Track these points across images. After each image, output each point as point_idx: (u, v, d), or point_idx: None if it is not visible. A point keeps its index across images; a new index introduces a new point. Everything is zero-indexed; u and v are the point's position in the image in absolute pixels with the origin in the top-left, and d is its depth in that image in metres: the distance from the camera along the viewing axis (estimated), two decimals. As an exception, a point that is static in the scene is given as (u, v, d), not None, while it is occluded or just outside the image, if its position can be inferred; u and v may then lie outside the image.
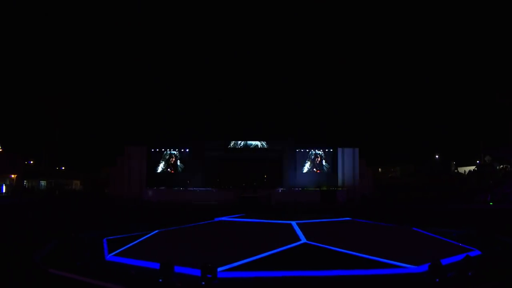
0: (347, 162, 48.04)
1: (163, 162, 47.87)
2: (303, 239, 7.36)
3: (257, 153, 48.07)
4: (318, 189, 44.83)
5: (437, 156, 59.57)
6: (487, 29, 76.20)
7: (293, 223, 8.34)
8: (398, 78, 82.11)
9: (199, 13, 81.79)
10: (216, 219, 10.11)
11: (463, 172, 51.45)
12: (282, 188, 45.68)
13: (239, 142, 47.96)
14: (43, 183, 54.27)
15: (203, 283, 5.31)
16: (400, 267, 6.37)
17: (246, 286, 5.71)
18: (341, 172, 47.94)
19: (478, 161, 53.56)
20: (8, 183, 46.96)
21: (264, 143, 47.80)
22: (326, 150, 48.57)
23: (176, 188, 43.98)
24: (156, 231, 9.11)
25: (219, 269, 6.02)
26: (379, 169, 64.02)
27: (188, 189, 44.22)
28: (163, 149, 48.01)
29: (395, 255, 6.73)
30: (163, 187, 44.32)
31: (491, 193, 34.40)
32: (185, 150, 47.87)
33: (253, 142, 48.30)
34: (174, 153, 48.02)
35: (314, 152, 48.62)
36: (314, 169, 48.46)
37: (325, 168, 48.55)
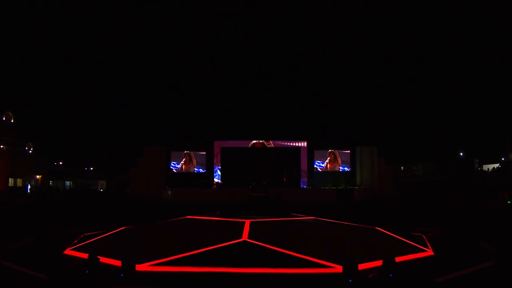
0: (366, 161, 47.60)
1: (181, 162, 48.88)
2: (245, 237, 7.64)
3: (274, 152, 48.40)
4: (334, 188, 44.73)
5: (461, 154, 57.99)
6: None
7: (247, 221, 8.61)
8: (419, 74, 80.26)
9: (220, 19, 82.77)
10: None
11: (487, 170, 49.87)
12: (298, 187, 45.83)
13: (256, 142, 48.41)
14: (68, 183, 56.49)
15: (122, 275, 5.76)
16: (328, 266, 6.44)
17: (164, 280, 6.07)
18: (359, 171, 47.62)
19: (503, 158, 51.75)
20: (33, 183, 49.18)
21: (281, 142, 48.14)
22: (344, 149, 48.26)
23: (193, 188, 44.88)
24: (123, 227, 9.66)
25: (148, 263, 6.44)
26: (402, 168, 62.91)
27: (205, 189, 45.14)
28: (181, 150, 48.99)
29: (330, 255, 6.81)
30: (180, 187, 45.26)
31: (510, 192, 33.24)
32: (202, 150, 48.71)
33: (270, 142, 48.62)
34: (192, 153, 48.89)
35: (331, 151, 48.40)
36: (332, 168, 48.24)
37: (343, 167, 48.22)
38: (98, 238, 8.67)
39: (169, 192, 44.73)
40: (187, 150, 48.70)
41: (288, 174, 47.76)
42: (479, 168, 54.31)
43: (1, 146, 49.57)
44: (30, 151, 52.58)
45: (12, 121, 56.89)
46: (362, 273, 6.13)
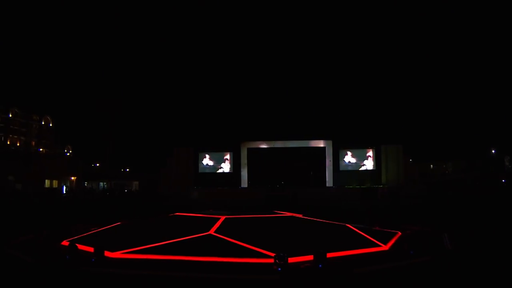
0: (391, 160, 47.40)
1: (208, 162, 50.30)
2: (212, 231, 8.64)
3: (299, 152, 48.94)
4: (358, 187, 44.77)
5: (493, 151, 56.29)
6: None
7: (222, 217, 9.58)
8: (448, 69, 78.13)
9: (241, 18, 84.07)
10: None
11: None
12: (323, 186, 46.15)
13: (282, 142, 49.15)
14: (101, 184, 59.48)
15: (93, 260, 7.00)
16: (267, 256, 7.23)
17: (130, 265, 7.21)
18: (384, 170, 47.44)
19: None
20: (68, 184, 52.25)
21: (306, 142, 48.69)
22: (369, 147, 48.19)
23: (219, 188, 46.07)
24: (119, 223, 10.98)
25: (121, 251, 7.64)
26: (431, 166, 61.86)
27: (230, 188, 46.22)
28: (208, 150, 50.34)
29: (278, 247, 7.41)
30: (207, 186, 46.57)
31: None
32: (228, 151, 49.89)
33: (295, 142, 49.20)
34: (219, 154, 50.16)
35: (356, 150, 48.45)
36: (357, 168, 48.30)
37: (368, 166, 48.17)
38: (92, 232, 10.02)
39: (196, 192, 46.04)
40: (214, 151, 50.00)
41: (313, 173, 48.22)
42: (511, 166, 52.66)
43: (40, 149, 53.20)
44: (69, 154, 55.84)
45: (50, 125, 60.72)
46: (298, 264, 7.10)
